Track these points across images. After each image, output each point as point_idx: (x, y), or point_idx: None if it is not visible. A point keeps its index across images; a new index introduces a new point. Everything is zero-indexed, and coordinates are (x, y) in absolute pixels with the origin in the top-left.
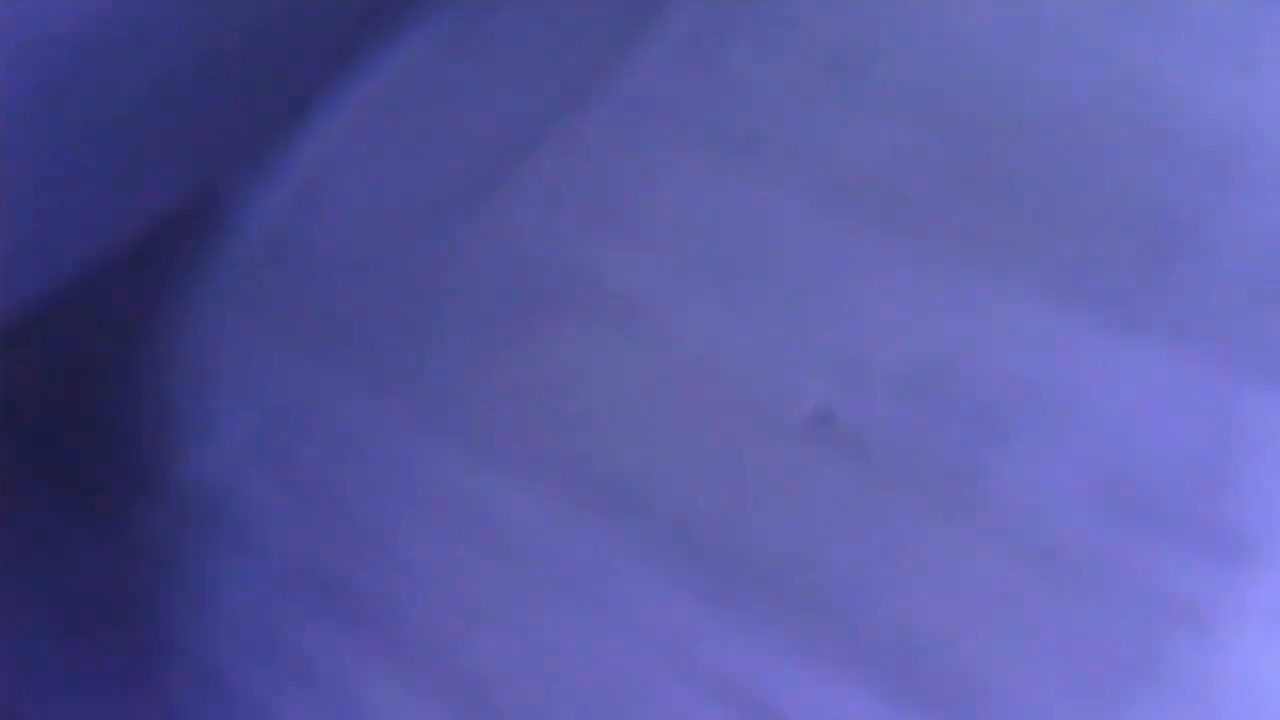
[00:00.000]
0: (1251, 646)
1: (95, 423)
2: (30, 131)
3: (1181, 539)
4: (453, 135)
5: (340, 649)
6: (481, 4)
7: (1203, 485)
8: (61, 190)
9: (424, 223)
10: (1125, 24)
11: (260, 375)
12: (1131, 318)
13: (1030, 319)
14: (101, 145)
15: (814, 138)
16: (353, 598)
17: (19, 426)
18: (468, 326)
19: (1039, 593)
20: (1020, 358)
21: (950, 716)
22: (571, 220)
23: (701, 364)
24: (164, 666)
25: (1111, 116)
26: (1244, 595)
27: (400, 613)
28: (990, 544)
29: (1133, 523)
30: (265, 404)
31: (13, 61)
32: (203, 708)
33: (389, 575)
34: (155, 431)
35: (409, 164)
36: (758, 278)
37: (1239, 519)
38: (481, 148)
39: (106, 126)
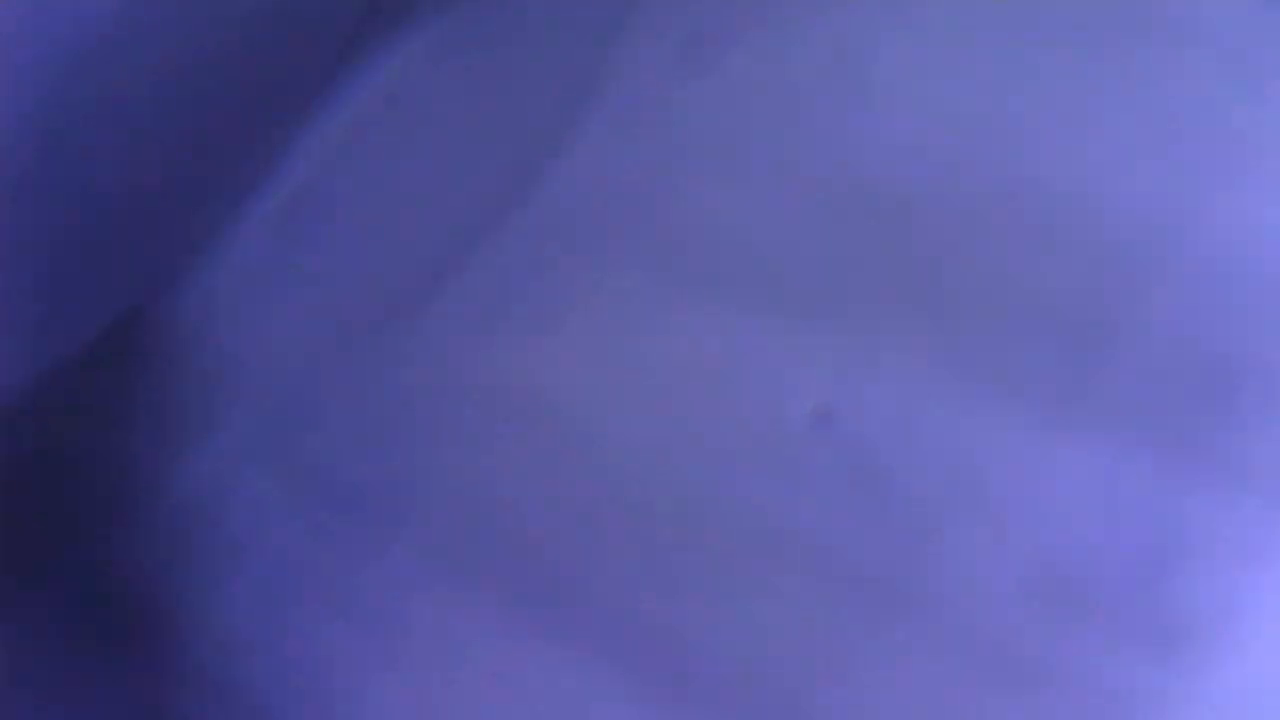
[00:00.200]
0: None
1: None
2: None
3: (1120, 635)
4: (386, 233)
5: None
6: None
7: (1141, 581)
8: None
9: (356, 334)
10: (1040, 112)
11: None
12: (1061, 413)
13: (958, 414)
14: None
15: (732, 241)
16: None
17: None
18: (406, 438)
19: (976, 690)
20: (951, 454)
21: None
22: (510, 329)
23: (643, 476)
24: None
25: (1025, 208)
26: (1184, 691)
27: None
28: (926, 643)
29: (1070, 619)
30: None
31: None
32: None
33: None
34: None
35: (343, 266)
36: (695, 386)
37: (1179, 615)
38: (418, 249)
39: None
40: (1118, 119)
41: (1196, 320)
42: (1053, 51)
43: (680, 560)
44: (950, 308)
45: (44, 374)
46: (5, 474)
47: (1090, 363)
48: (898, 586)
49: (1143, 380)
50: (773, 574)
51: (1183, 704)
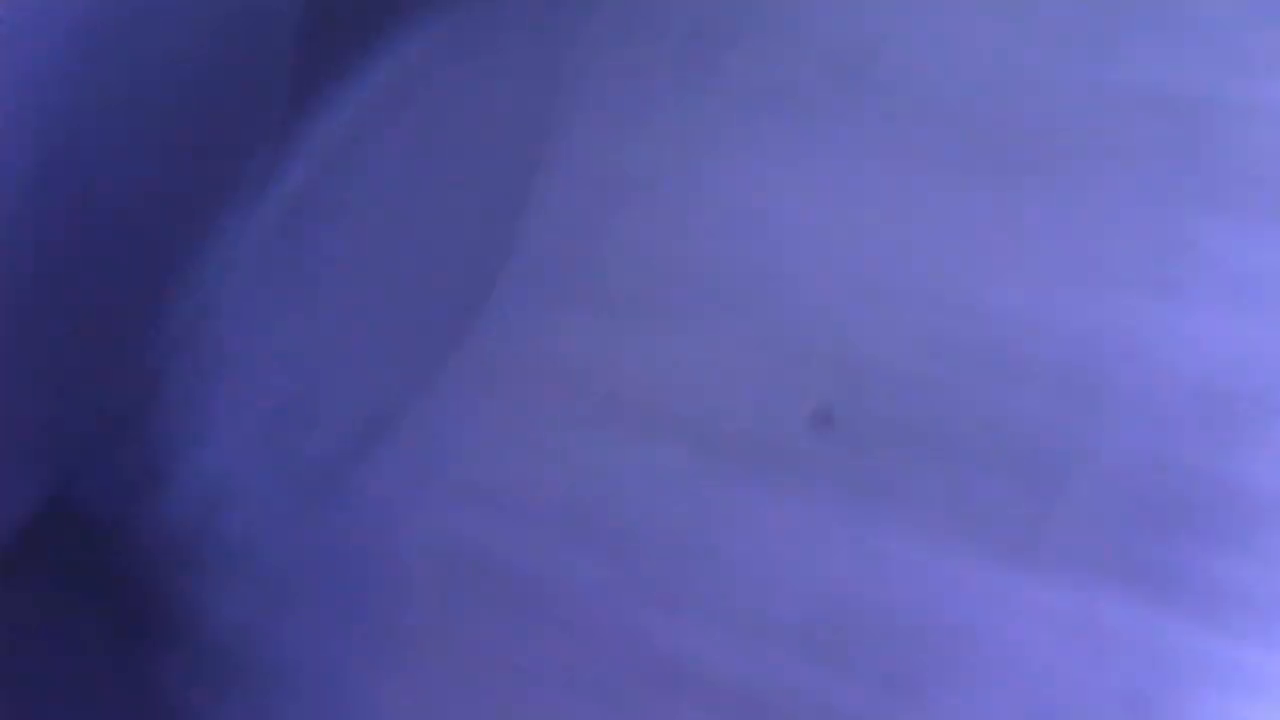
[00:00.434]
0: None
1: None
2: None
3: None
4: (324, 391)
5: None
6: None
7: (1135, 716)
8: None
9: (290, 503)
10: (958, 249)
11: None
12: (1024, 553)
13: (922, 562)
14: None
15: (676, 383)
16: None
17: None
18: (340, 609)
19: None
20: (921, 605)
21: None
22: (440, 490)
23: (592, 631)
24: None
25: (964, 347)
26: None
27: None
28: None
29: None
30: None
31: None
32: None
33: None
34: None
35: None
36: (642, 536)
37: None
38: (351, 408)
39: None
40: (1054, 236)
41: (1149, 441)
42: (978, 178)
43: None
44: (902, 443)
45: None
46: None
47: (1046, 497)
48: None
49: (1101, 510)
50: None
51: None
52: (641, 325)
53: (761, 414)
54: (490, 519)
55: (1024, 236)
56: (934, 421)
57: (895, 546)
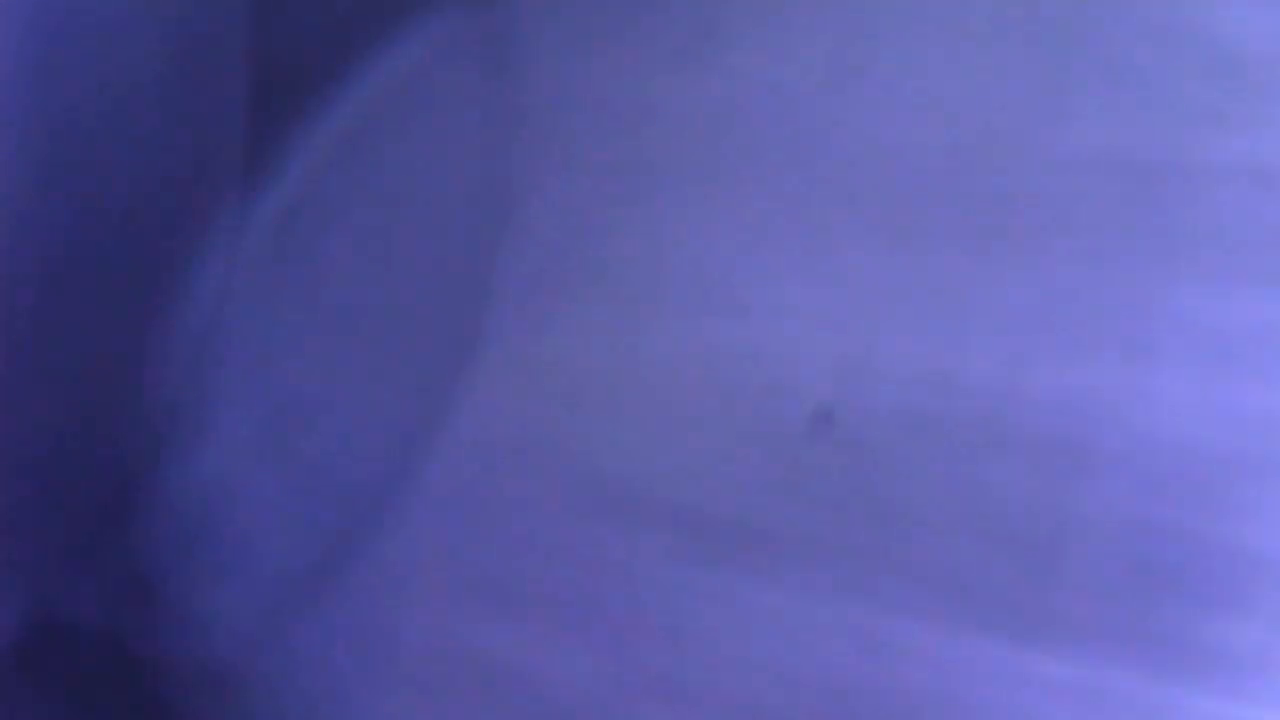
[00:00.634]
0: None
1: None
2: None
3: None
4: (301, 503)
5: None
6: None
7: None
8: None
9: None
10: (927, 320)
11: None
12: (1024, 626)
13: (920, 640)
14: None
15: (662, 469)
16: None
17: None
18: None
19: None
20: (926, 685)
21: None
22: (431, 586)
23: None
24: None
25: (944, 420)
26: None
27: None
28: None
29: None
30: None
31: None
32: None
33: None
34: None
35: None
36: (640, 626)
37: None
38: (321, 526)
39: None
40: (1022, 304)
41: (1138, 506)
42: (961, 250)
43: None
44: (891, 522)
45: None
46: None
47: (1042, 569)
48: None
49: (1099, 579)
50: None
51: None
52: (627, 408)
53: (750, 496)
54: (484, 615)
55: (992, 305)
56: (922, 498)
57: (893, 627)
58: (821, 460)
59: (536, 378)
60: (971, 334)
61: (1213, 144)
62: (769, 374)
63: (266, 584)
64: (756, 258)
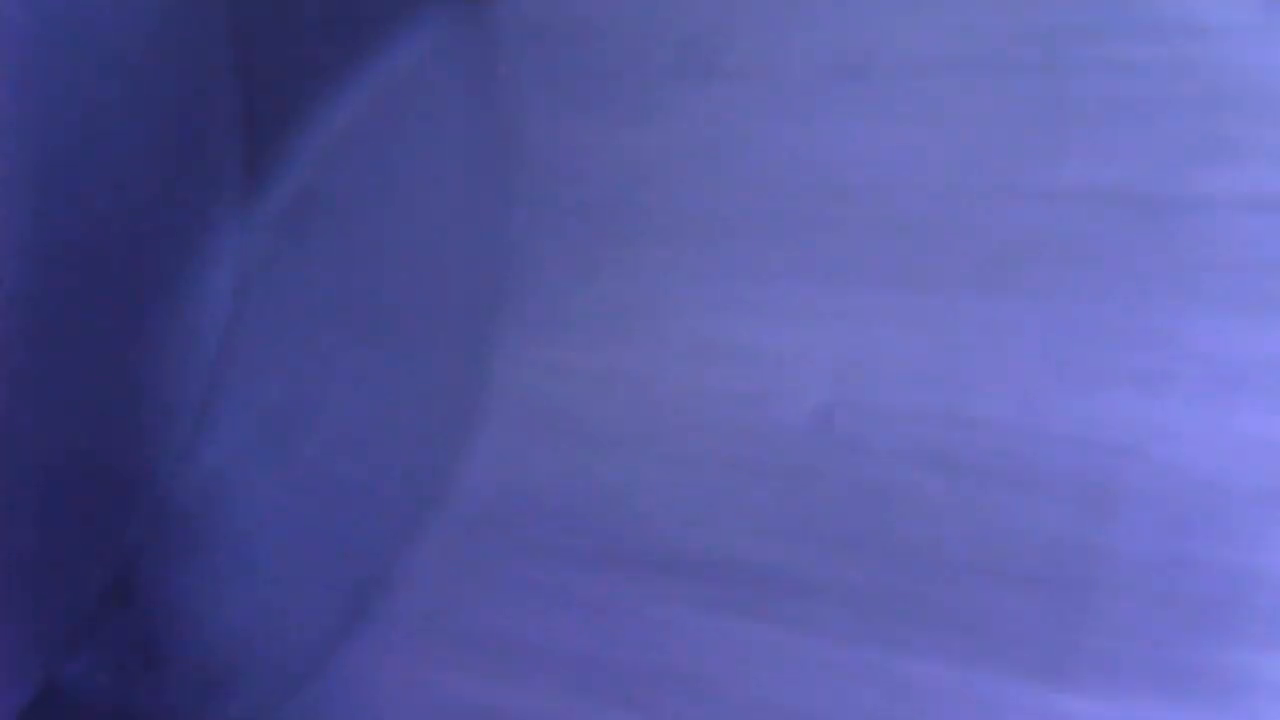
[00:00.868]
0: None
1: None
2: None
3: None
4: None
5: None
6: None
7: None
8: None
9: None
10: (942, 360)
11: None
12: (1054, 667)
13: (944, 682)
14: None
15: (675, 517)
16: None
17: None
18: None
19: None
20: None
21: None
22: (440, 655)
23: None
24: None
25: (963, 459)
26: None
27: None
28: None
29: None
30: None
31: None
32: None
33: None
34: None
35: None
36: (657, 678)
37: None
38: (344, 577)
39: None
40: (1036, 340)
41: (1163, 540)
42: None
43: None
44: (915, 564)
45: None
46: None
47: (1070, 608)
48: None
49: (1128, 615)
50: None
51: None
52: (637, 452)
53: (766, 539)
54: (496, 674)
55: (1006, 343)
56: (942, 538)
57: (921, 671)
58: (838, 502)
59: (545, 421)
60: (984, 370)
61: (1209, 174)
62: (780, 415)
63: (275, 639)
64: (765, 300)
